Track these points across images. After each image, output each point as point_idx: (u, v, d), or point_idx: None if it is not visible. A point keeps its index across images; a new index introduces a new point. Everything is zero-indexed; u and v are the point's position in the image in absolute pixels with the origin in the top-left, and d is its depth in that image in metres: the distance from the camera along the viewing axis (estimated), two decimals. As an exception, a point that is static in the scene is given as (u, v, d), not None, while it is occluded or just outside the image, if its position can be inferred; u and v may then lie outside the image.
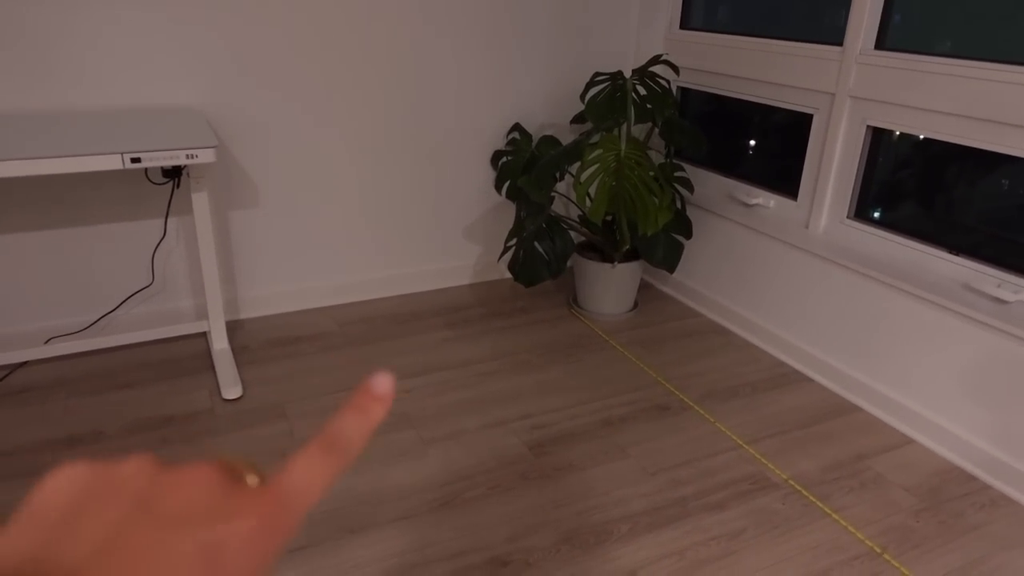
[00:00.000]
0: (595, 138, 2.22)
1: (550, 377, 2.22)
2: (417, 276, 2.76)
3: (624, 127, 2.20)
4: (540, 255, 2.27)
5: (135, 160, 1.68)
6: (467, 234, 2.80)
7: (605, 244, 2.46)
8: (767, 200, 2.42)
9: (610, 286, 2.54)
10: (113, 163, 1.67)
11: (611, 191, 2.09)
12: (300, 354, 2.30)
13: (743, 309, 2.51)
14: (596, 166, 2.05)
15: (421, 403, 2.06)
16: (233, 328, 2.44)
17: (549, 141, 2.66)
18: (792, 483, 1.78)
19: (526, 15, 2.55)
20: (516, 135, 2.69)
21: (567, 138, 2.82)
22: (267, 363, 2.24)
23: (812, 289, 2.23)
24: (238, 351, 2.30)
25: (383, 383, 0.31)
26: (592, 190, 2.16)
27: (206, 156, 1.74)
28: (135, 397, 2.03)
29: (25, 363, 2.15)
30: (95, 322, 2.26)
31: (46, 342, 2.18)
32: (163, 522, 0.24)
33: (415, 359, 2.30)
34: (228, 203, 2.33)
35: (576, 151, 2.09)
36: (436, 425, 1.96)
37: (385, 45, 2.37)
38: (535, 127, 2.74)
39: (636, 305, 2.68)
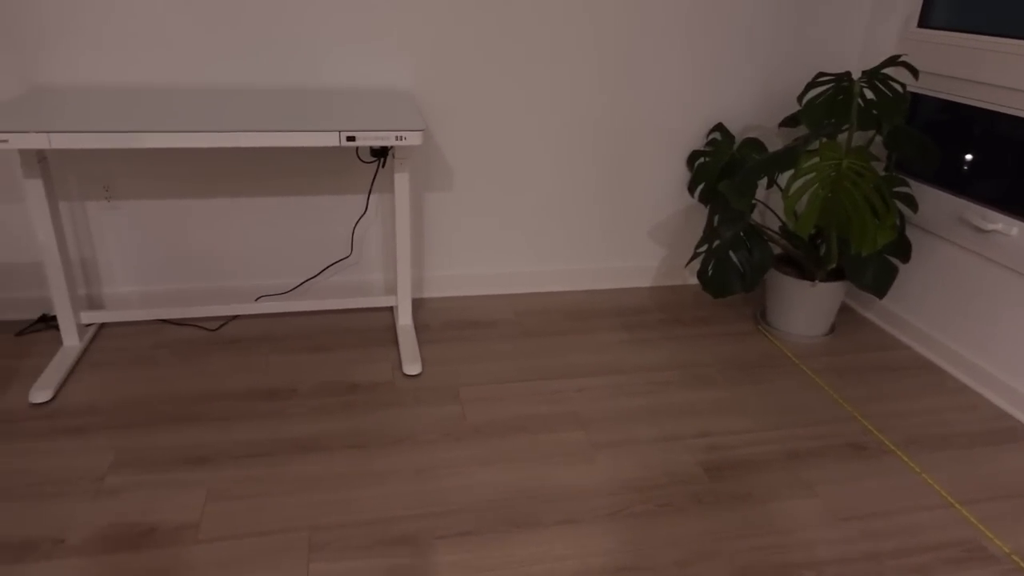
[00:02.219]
0: (813, 144, 2.03)
1: (731, 396, 2.08)
2: (598, 273, 2.71)
3: (847, 134, 2.00)
4: (734, 265, 2.13)
5: (350, 139, 1.76)
6: (653, 235, 2.70)
7: (807, 260, 2.27)
8: (1008, 227, 2.10)
9: (806, 305, 2.34)
10: (330, 140, 1.76)
11: (824, 204, 1.91)
12: (476, 339, 2.33)
13: (963, 347, 2.21)
14: (811, 175, 1.88)
15: (592, 404, 2.01)
16: (416, 305, 2.53)
17: (752, 144, 2.49)
18: (1015, 558, 1.53)
19: (739, 9, 2.40)
20: (717, 135, 2.55)
21: (772, 142, 2.63)
22: (445, 343, 2.29)
23: (1059, 336, 1.91)
24: (420, 328, 2.37)
25: None
26: (801, 201, 1.98)
27: (414, 139, 1.79)
28: (326, 360, 2.16)
29: (237, 316, 2.36)
30: (298, 286, 2.43)
31: (256, 299, 2.38)
32: None
33: (588, 358, 2.25)
34: (425, 184, 2.41)
35: (789, 157, 1.93)
36: (607, 430, 1.91)
37: (588, 40, 2.32)
38: (738, 128, 2.58)
39: (833, 329, 2.45)
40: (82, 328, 2.17)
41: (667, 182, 2.62)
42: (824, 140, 1.93)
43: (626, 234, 2.67)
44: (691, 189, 2.62)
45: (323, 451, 1.78)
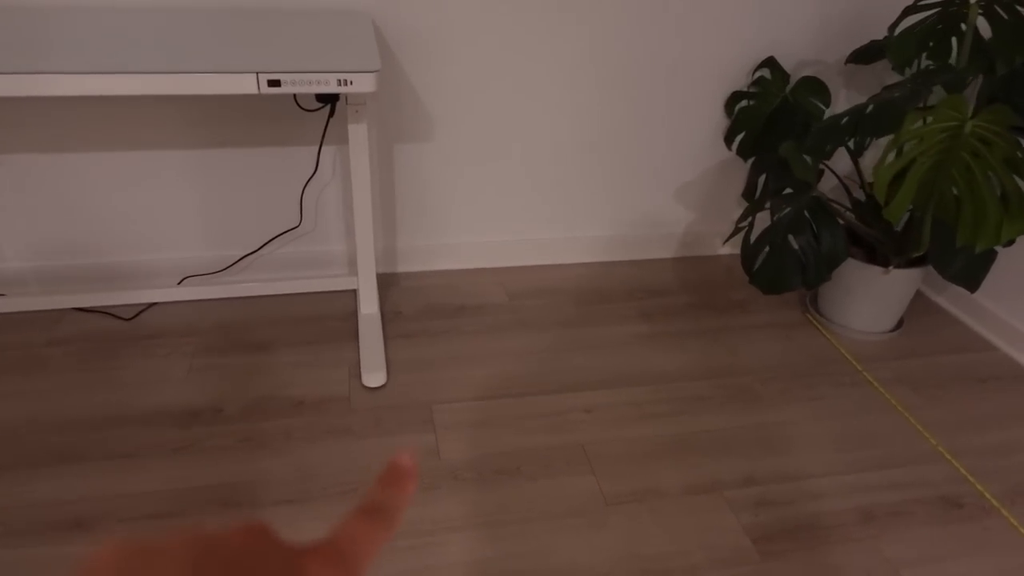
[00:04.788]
0: (918, 95, 1.50)
1: (780, 419, 1.63)
2: (609, 242, 2.21)
3: (978, 82, 1.47)
4: (793, 254, 1.64)
5: (273, 83, 1.24)
6: (678, 196, 2.19)
7: (882, 241, 1.77)
8: None
9: (873, 295, 1.86)
10: (246, 85, 1.24)
11: (926, 180, 1.40)
12: (459, 332, 1.86)
13: (1073, 356, 1.75)
14: (915, 142, 1.37)
15: (604, 432, 1.56)
16: (387, 284, 2.05)
17: (811, 85, 1.95)
18: None
19: (814, -97, 1.81)
20: (765, 73, 2.01)
21: (835, 81, 2.09)
22: (420, 339, 1.82)
23: None
24: (389, 317, 1.90)
25: (407, 462, 0.31)
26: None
27: (364, 83, 1.27)
28: (265, 364, 1.70)
29: (155, 304, 1.88)
30: (235, 263, 1.94)
31: (180, 282, 1.90)
32: (234, 565, 0.23)
33: (599, 361, 1.79)
34: (396, 134, 1.88)
35: (890, 115, 1.40)
36: (623, 473, 1.46)
37: (613, -62, 1.75)
38: (792, 64, 2.03)
39: (901, 323, 1.98)
40: (-47, 320, 1.70)
41: (699, 130, 2.09)
42: (935, 93, 1.40)
43: (645, 194, 2.16)
44: (728, 140, 2.09)
45: (246, 507, 1.34)
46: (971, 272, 1.72)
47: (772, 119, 1.99)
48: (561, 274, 2.16)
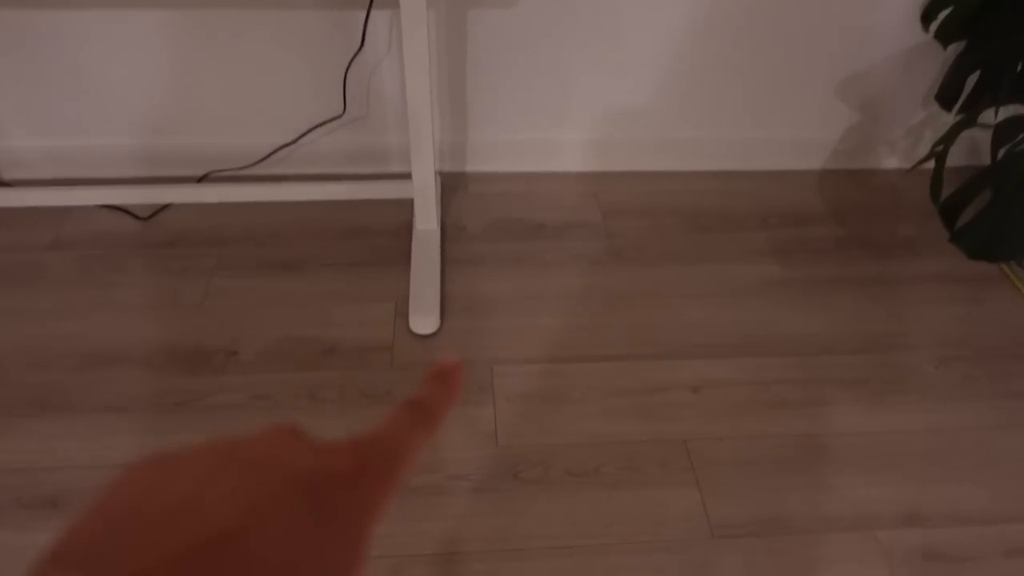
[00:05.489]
0: None
1: (964, 423, 1.20)
2: (739, 146, 1.71)
3: None
4: None
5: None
6: (840, 91, 1.64)
7: None
8: None
9: (1115, 254, 1.33)
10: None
11: None
12: (537, 260, 1.47)
13: None
14: None
15: (715, 425, 1.19)
16: (454, 186, 1.65)
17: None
18: None
19: None
20: (1006, -86, 1.37)
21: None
22: (486, 267, 1.45)
23: None
24: (451, 233, 1.53)
25: (454, 361, 0.30)
26: None
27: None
28: (295, 292, 1.38)
29: (170, 205, 1.56)
30: (267, 156, 1.58)
31: (201, 179, 1.56)
32: (256, 466, 0.21)
33: (714, 314, 1.37)
34: (468, -7, 1.41)
35: None
36: (737, 489, 1.10)
37: None
38: (1048, -100, 1.38)
39: None
40: (-56, 212, 1.45)
41: (880, 3, 1.50)
42: None
43: (793, 86, 1.62)
44: (927, 18, 1.50)
45: (251, 496, 1.06)
46: None
47: (1003, -12, 1.38)
48: (671, 184, 1.70)
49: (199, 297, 1.36)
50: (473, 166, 1.70)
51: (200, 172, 1.59)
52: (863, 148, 1.74)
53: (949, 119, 1.59)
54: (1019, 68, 1.34)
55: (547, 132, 1.65)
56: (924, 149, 1.75)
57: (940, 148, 1.29)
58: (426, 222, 1.48)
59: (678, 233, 1.56)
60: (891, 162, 1.78)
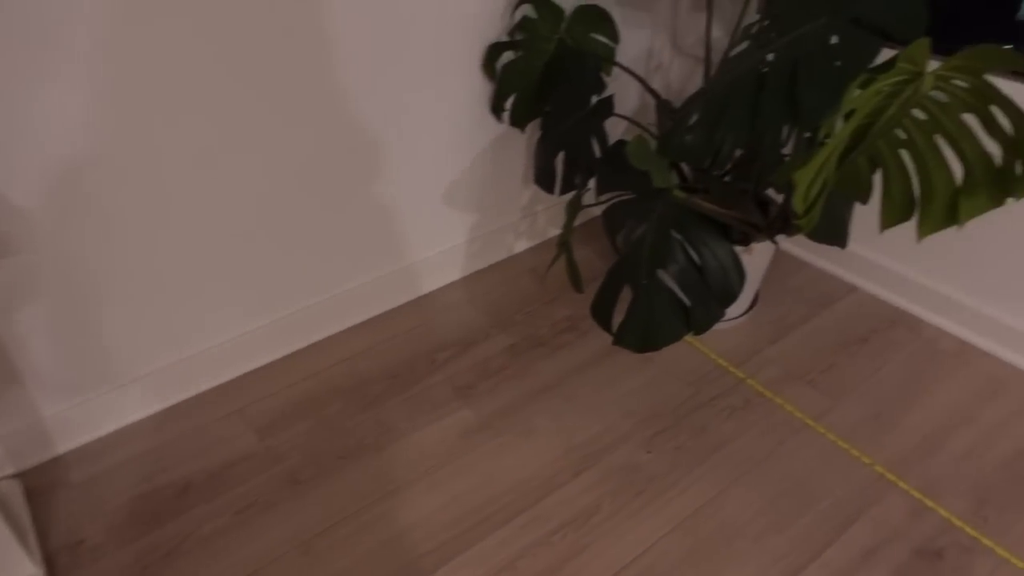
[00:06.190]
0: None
1: (707, 500, 1.18)
2: (366, 289, 1.56)
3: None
4: (668, 295, 1.11)
5: None
6: (449, 199, 1.57)
7: (742, 218, 1.32)
8: None
9: (732, 278, 1.44)
10: None
11: (853, 158, 0.93)
12: (196, 541, 1.14)
13: (955, 288, 1.49)
14: (857, 116, 0.88)
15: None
16: (47, 483, 1.22)
17: (592, 18, 1.41)
18: None
19: None
20: (529, 11, 1.41)
21: (627, 15, 1.56)
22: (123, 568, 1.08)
23: None
24: (66, 563, 1.11)
25: None
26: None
27: None
28: None
29: None
30: None
31: None
32: None
33: (429, 500, 1.18)
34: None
35: (829, 77, 0.87)
36: None
37: None
38: (556, -12, 1.46)
39: (756, 300, 1.60)
40: None
41: (457, 106, 1.46)
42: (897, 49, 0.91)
43: (408, 209, 1.51)
44: (496, 109, 1.50)
45: None
46: (837, 227, 1.36)
47: (550, 71, 1.42)
48: (320, 362, 1.48)
49: None
50: (66, 442, 1.28)
51: None
52: (492, 242, 1.71)
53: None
54: (593, 145, 1.38)
55: (153, 363, 1.31)
56: (543, 221, 1.78)
57: (564, 240, 1.27)
58: (14, 570, 1.05)
59: (350, 419, 1.35)
60: (521, 245, 1.78)
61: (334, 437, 1.31)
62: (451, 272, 1.67)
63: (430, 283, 1.65)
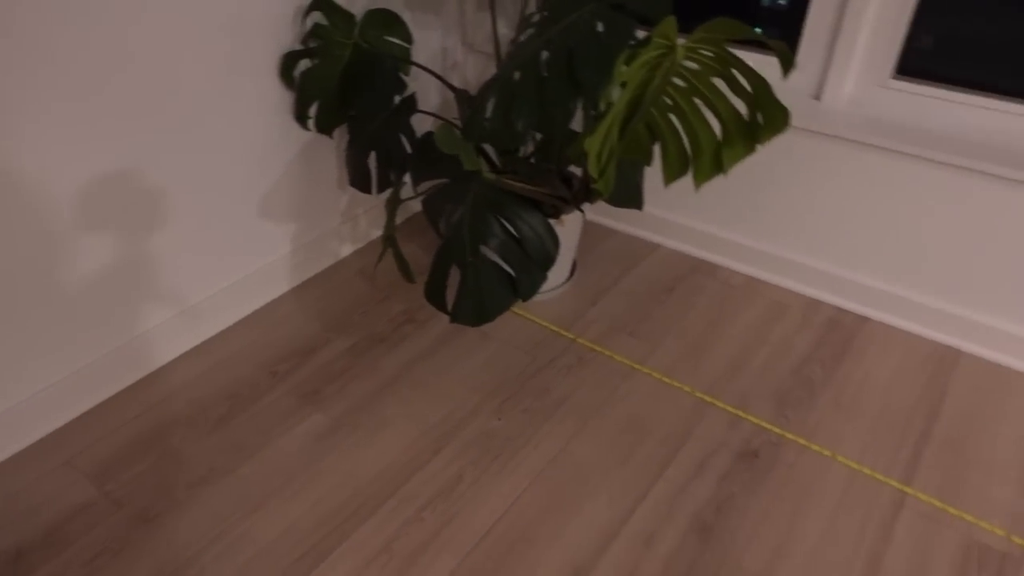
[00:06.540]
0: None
1: (555, 455, 1.27)
2: (182, 324, 1.51)
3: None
4: (494, 268, 1.19)
5: None
6: (264, 212, 1.56)
7: (549, 192, 1.44)
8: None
9: (550, 250, 1.56)
10: None
11: (635, 125, 1.06)
12: (42, 600, 1.05)
13: (738, 234, 1.72)
14: (629, 86, 0.99)
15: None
16: None
17: (384, 21, 1.47)
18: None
19: None
20: (320, 19, 1.44)
21: (417, 18, 1.62)
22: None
23: (835, 193, 1.49)
24: None
25: None
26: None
27: None
28: None
29: None
30: None
31: None
32: None
33: (294, 507, 1.18)
34: None
35: (598, 56, 0.98)
36: None
37: None
38: (341, -6, 1.50)
39: (574, 269, 1.74)
40: None
41: (260, 118, 1.45)
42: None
43: (218, 232, 1.48)
44: (301, 116, 1.51)
45: None
46: (632, 192, 1.52)
47: (349, 75, 1.46)
48: (151, 395, 1.41)
49: None
50: None
51: None
52: (316, 251, 1.71)
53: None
54: (402, 141, 1.44)
55: (-52, 430, 1.18)
56: (365, 224, 1.81)
57: (389, 235, 1.31)
58: None
59: (195, 445, 1.30)
60: (346, 249, 1.79)
61: (182, 467, 1.26)
62: (278, 285, 1.65)
63: (258, 299, 1.62)
